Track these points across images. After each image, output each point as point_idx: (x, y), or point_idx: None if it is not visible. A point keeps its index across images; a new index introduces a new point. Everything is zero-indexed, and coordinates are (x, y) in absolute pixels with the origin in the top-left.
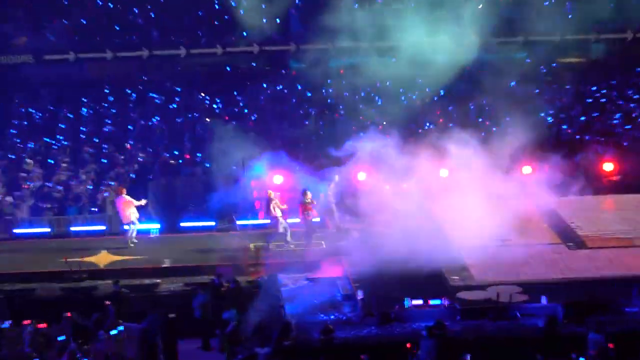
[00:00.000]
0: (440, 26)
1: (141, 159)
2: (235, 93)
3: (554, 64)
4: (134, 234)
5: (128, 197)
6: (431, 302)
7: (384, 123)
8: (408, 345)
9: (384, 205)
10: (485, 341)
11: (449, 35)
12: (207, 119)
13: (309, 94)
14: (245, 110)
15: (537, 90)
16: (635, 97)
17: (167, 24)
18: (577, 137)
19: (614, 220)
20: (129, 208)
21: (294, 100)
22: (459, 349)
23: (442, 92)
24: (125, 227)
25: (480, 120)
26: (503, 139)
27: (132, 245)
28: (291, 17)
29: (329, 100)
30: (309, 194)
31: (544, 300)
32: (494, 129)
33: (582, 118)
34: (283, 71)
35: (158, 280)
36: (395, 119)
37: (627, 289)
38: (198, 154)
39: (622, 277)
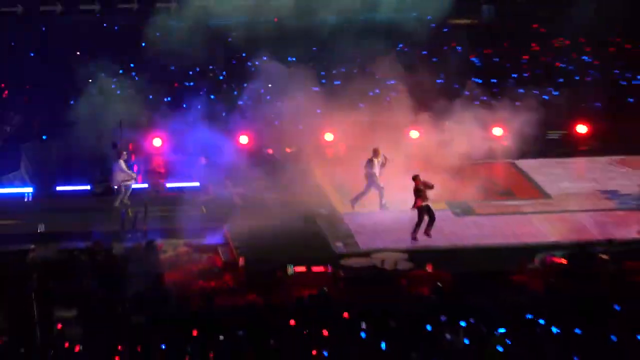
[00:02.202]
0: None
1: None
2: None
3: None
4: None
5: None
6: (314, 269)
7: (270, 86)
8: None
9: (267, 169)
10: (370, 310)
11: None
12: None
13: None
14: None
15: (425, 52)
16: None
17: None
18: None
19: (501, 187)
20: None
21: (175, 58)
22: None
23: (321, 55)
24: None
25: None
26: (391, 102)
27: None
28: None
29: (211, 62)
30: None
31: (429, 268)
32: (378, 91)
33: (475, 80)
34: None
35: (32, 246)
36: (282, 81)
37: (514, 258)
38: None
39: (509, 245)
